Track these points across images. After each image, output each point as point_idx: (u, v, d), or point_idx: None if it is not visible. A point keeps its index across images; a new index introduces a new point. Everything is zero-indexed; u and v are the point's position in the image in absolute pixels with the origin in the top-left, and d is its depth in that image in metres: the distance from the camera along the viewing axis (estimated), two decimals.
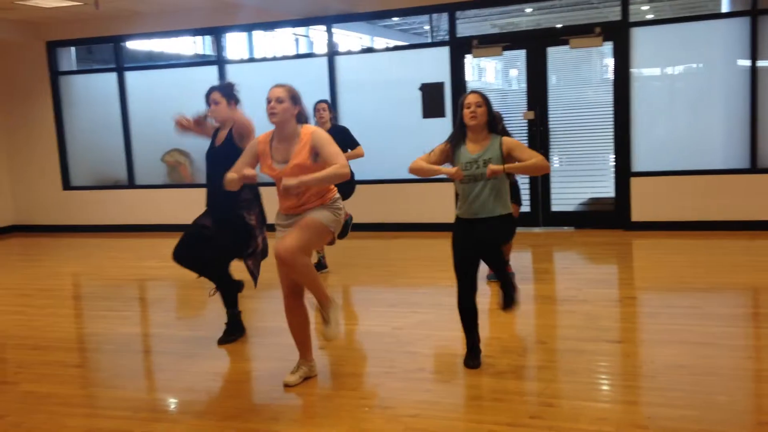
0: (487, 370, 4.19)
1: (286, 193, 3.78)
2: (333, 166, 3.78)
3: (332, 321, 3.99)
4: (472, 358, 4.21)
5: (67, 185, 10.63)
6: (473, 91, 4.17)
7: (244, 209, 4.73)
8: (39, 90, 10.45)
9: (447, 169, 4.09)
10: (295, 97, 3.86)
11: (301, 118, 3.93)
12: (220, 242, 4.75)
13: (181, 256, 4.91)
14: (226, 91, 4.83)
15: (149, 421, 3.70)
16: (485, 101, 4.09)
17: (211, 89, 4.88)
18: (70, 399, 4.08)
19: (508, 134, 4.52)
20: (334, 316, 4.00)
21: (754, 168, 8.01)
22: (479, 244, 4.06)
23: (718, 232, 7.95)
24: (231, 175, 3.99)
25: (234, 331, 4.96)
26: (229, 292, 4.95)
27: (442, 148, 4.18)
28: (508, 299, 4.20)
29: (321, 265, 6.80)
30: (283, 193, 3.85)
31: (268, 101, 3.83)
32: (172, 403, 4.04)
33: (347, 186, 6.30)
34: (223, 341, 4.90)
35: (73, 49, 10.78)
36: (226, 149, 4.67)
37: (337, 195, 4.00)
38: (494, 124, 4.14)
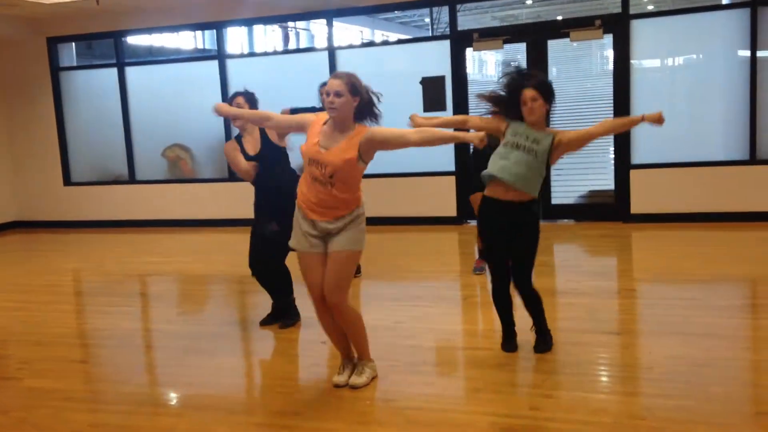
0: (488, 363, 4.22)
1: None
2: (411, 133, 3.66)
3: (365, 375, 3.91)
4: (508, 341, 4.30)
5: (68, 181, 10.66)
6: (531, 86, 4.06)
7: (275, 220, 4.84)
8: (40, 86, 10.47)
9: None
10: (354, 88, 3.64)
11: (363, 112, 3.68)
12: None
13: (257, 269, 5.08)
14: (248, 97, 4.94)
15: (153, 416, 3.74)
16: (541, 94, 4.07)
17: (236, 94, 4.99)
18: (73, 394, 4.11)
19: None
20: (369, 373, 3.93)
21: (753, 159, 8.03)
22: (511, 238, 4.11)
23: (717, 223, 7.97)
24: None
25: (293, 316, 5.08)
26: (288, 279, 5.08)
27: (499, 124, 4.14)
28: (542, 345, 4.28)
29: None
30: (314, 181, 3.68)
31: (327, 94, 3.61)
32: (176, 397, 4.07)
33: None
34: (283, 326, 5.03)
35: (73, 44, 10.80)
36: (271, 150, 4.87)
37: (363, 204, 3.83)
38: (548, 119, 4.14)
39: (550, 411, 3.50)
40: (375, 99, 3.75)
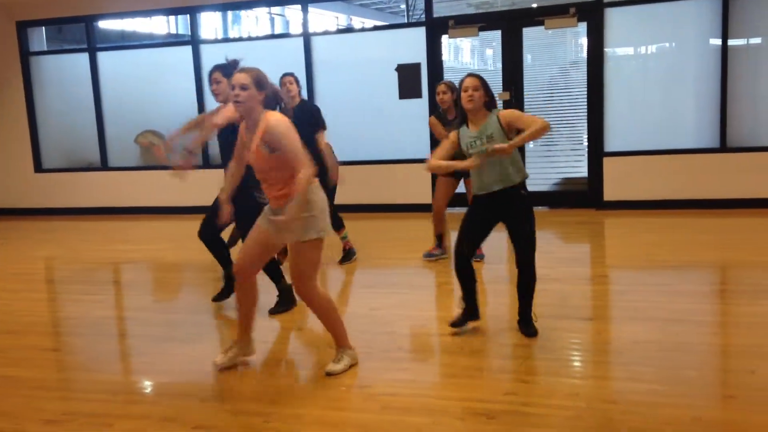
0: (463, 349, 4.25)
1: (282, 227, 3.67)
2: (300, 172, 3.59)
3: (342, 363, 3.90)
4: (465, 317, 4.43)
5: (38, 167, 10.50)
6: (470, 75, 4.28)
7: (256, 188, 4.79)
8: (9, 71, 10.29)
9: (463, 163, 4.18)
10: (260, 82, 3.68)
11: (271, 102, 3.77)
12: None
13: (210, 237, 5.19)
14: (226, 71, 4.82)
15: (127, 404, 3.72)
16: (482, 84, 4.23)
17: (215, 68, 4.91)
18: (46, 383, 4.07)
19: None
20: (347, 361, 3.93)
21: (723, 147, 8.14)
22: (508, 221, 4.30)
23: (688, 210, 8.09)
24: None
25: (287, 302, 5.09)
26: (277, 265, 5.11)
27: (451, 138, 4.33)
28: (530, 327, 4.37)
29: (351, 253, 6.57)
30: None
31: (232, 87, 3.66)
32: (150, 385, 4.05)
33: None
34: (274, 311, 5.05)
35: (43, 29, 10.61)
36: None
37: (313, 191, 3.75)
38: (492, 104, 4.27)
39: (525, 396, 3.54)
40: (279, 98, 3.87)
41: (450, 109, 6.09)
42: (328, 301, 3.92)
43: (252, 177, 4.63)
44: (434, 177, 6.27)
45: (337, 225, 6.39)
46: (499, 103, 8.63)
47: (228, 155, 4.60)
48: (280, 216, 3.66)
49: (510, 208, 4.28)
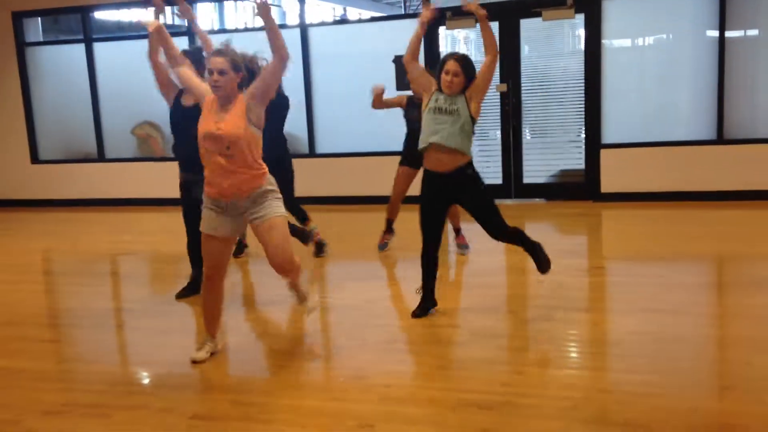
0: (459, 340, 4.28)
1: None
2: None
3: (307, 296, 4.12)
4: (422, 307, 4.57)
5: (35, 159, 10.48)
6: (454, 58, 4.31)
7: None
8: (5, 62, 10.24)
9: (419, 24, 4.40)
10: (236, 65, 3.65)
11: (245, 81, 3.72)
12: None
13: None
14: (194, 56, 4.95)
15: (126, 395, 3.73)
16: (464, 71, 4.27)
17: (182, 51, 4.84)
18: (45, 374, 4.08)
19: None
20: (304, 291, 4.14)
21: (720, 139, 8.15)
22: (463, 202, 4.42)
23: (685, 202, 8.11)
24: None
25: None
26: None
27: (426, 72, 4.47)
28: (546, 264, 4.54)
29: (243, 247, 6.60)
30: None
31: (210, 72, 3.61)
32: (149, 376, 4.06)
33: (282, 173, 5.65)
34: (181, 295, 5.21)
35: (39, 19, 10.56)
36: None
37: (272, 183, 3.85)
38: (468, 85, 4.33)
39: (521, 387, 3.56)
40: (256, 65, 3.79)
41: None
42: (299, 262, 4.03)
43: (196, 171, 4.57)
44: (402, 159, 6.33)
45: (302, 217, 6.27)
46: (496, 96, 8.63)
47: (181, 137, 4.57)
48: (235, 204, 3.73)
49: (459, 189, 4.36)
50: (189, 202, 5.06)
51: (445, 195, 4.41)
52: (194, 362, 4.02)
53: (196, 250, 5.02)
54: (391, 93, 8.94)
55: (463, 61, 4.31)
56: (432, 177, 4.41)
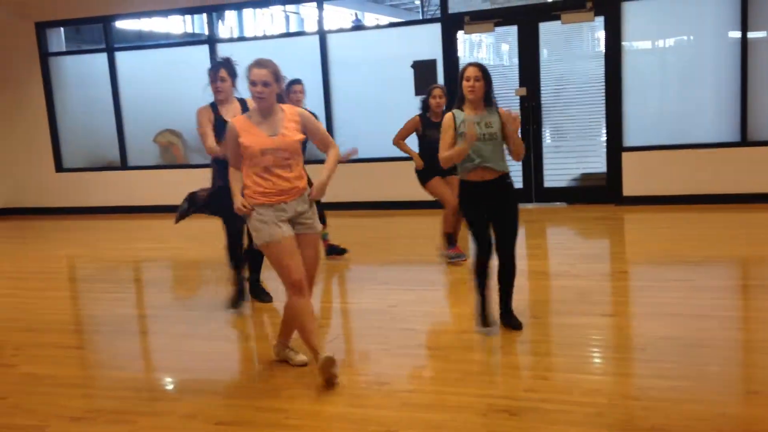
0: (481, 346, 4.25)
1: (319, 193, 3.86)
2: (333, 149, 3.97)
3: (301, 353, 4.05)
4: (490, 316, 4.40)
5: (59, 167, 10.60)
6: (473, 64, 4.32)
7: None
8: (29, 72, 10.38)
9: (466, 143, 4.18)
10: (277, 76, 3.80)
11: (280, 99, 3.94)
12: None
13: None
14: (229, 69, 4.93)
15: (150, 401, 3.75)
16: (484, 75, 4.27)
17: (218, 65, 4.96)
18: (69, 380, 4.12)
19: None
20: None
21: (744, 141, 8.06)
22: (498, 212, 4.31)
23: (709, 205, 8.01)
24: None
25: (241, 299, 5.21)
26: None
27: (449, 123, 4.35)
28: (516, 319, 4.42)
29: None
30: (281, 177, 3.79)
31: (254, 84, 3.72)
32: (172, 382, 4.08)
33: None
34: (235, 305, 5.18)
35: (62, 29, 10.70)
36: None
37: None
38: (490, 97, 4.32)
39: (545, 392, 3.53)
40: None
41: (439, 114, 6.07)
42: None
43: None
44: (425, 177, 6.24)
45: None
46: (516, 100, 8.60)
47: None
48: (294, 205, 3.81)
49: (500, 195, 4.31)
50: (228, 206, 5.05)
51: (486, 200, 4.31)
52: (302, 365, 4.02)
53: (236, 251, 5.16)
54: (409, 98, 8.95)
55: (481, 66, 4.32)
56: (472, 186, 4.34)
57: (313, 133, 3.96)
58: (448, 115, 4.36)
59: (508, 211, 4.34)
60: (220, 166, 4.92)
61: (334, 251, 6.55)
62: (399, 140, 6.33)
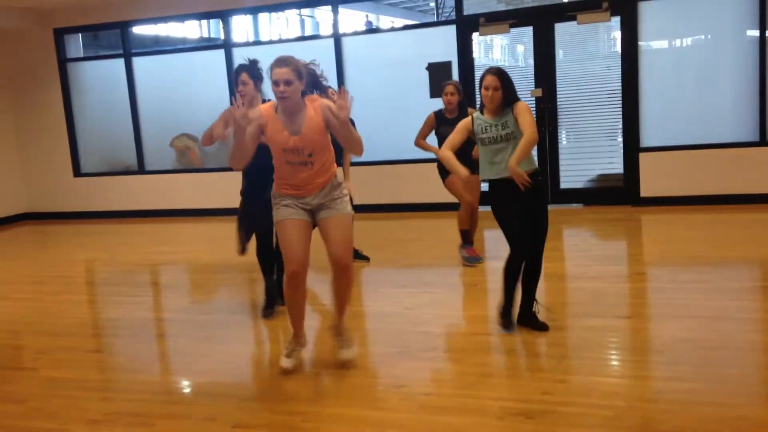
0: (498, 348, 4.24)
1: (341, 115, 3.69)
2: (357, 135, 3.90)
3: (354, 346, 4.03)
4: (512, 318, 4.43)
5: (77, 172, 10.70)
6: (492, 73, 4.30)
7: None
8: (47, 77, 10.49)
9: (461, 172, 4.34)
10: (300, 73, 3.74)
11: (308, 87, 3.83)
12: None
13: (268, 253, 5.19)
14: (252, 72, 4.94)
15: (168, 404, 3.78)
16: (502, 84, 4.27)
17: (240, 69, 4.96)
18: (88, 383, 4.16)
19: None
20: (353, 341, 4.05)
21: (763, 141, 7.98)
22: (528, 211, 4.30)
23: (727, 206, 7.94)
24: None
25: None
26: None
27: (466, 124, 4.42)
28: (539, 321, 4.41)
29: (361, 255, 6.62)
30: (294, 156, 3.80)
31: (276, 83, 3.69)
32: (190, 385, 4.11)
33: None
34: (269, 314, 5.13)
35: (80, 35, 10.80)
36: None
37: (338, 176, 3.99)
38: (510, 101, 4.31)
39: (562, 395, 3.51)
40: (315, 71, 3.90)
41: (453, 110, 6.18)
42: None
43: (262, 176, 4.65)
44: (445, 173, 6.25)
45: None
46: (531, 101, 8.57)
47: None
48: (311, 200, 3.85)
49: (531, 193, 4.26)
50: (253, 208, 5.08)
51: (516, 199, 4.27)
52: (284, 371, 3.99)
53: (265, 255, 5.15)
54: (424, 100, 8.95)
55: (500, 74, 4.30)
56: (499, 184, 4.32)
57: (337, 130, 3.80)
58: (468, 118, 4.46)
59: (537, 210, 4.32)
60: (248, 171, 4.93)
61: (358, 256, 6.54)
62: (419, 140, 6.36)
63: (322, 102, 3.83)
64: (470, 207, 6.21)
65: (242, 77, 4.91)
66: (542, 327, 4.36)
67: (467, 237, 6.25)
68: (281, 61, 3.73)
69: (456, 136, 4.45)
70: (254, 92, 4.94)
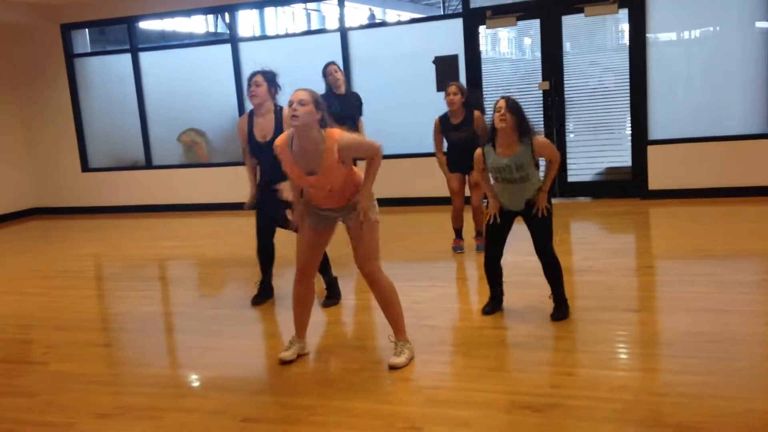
0: (506, 342, 4.24)
1: (364, 218, 3.80)
2: (372, 161, 3.77)
3: (404, 356, 3.92)
4: (489, 303, 4.69)
5: (85, 167, 10.73)
6: (504, 97, 4.36)
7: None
8: (55, 73, 10.52)
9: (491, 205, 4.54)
10: (317, 102, 3.69)
11: (323, 124, 3.73)
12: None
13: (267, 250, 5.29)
14: (267, 76, 4.95)
15: (177, 397, 3.79)
16: (510, 110, 4.28)
17: (254, 73, 4.98)
18: (98, 377, 4.18)
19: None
20: (408, 354, 3.96)
21: None
22: (527, 215, 4.48)
23: (736, 198, 7.91)
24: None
25: (337, 295, 5.22)
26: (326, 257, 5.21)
27: (478, 160, 4.52)
28: (559, 313, 4.50)
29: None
30: (324, 198, 3.85)
31: (290, 104, 3.67)
32: (199, 379, 4.12)
33: None
34: (327, 304, 5.16)
35: (87, 31, 10.82)
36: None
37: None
38: (525, 131, 4.34)
39: (571, 389, 3.51)
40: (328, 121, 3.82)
41: (457, 112, 6.14)
42: (392, 285, 3.99)
43: (272, 173, 4.77)
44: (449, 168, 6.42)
45: None
46: (539, 94, 8.55)
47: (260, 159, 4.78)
48: (332, 212, 3.89)
49: (526, 204, 4.45)
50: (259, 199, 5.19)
51: (518, 210, 4.49)
52: (282, 362, 4.06)
53: (262, 247, 5.27)
54: (431, 94, 8.93)
55: (510, 101, 4.32)
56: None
57: (353, 154, 3.83)
58: (479, 152, 4.49)
59: (535, 216, 4.42)
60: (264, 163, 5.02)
61: None
62: (437, 152, 6.40)
63: (340, 139, 3.70)
64: (459, 211, 6.46)
65: (256, 78, 4.93)
66: (556, 317, 4.45)
67: (458, 234, 6.54)
68: (302, 88, 3.75)
69: (482, 174, 4.56)
70: (266, 95, 4.94)
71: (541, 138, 4.39)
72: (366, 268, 3.90)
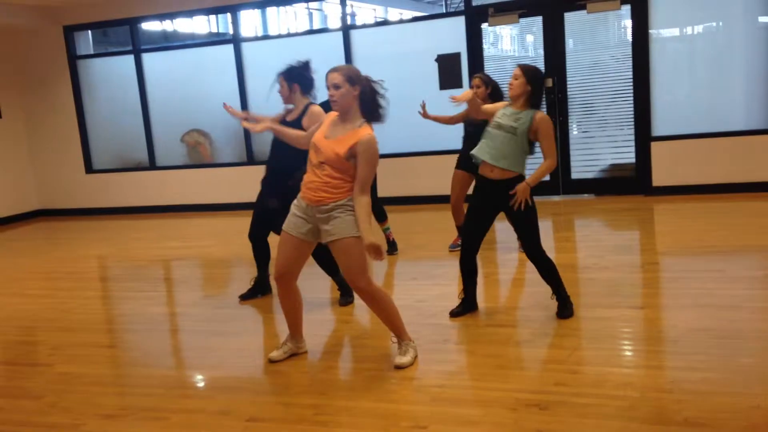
0: (511, 340, 4.24)
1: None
2: (363, 197, 3.70)
3: (408, 355, 3.90)
4: (460, 306, 4.66)
5: (89, 168, 10.75)
6: (519, 65, 4.43)
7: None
8: (58, 75, 10.54)
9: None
10: (351, 78, 3.71)
11: (368, 104, 3.74)
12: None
13: (256, 239, 5.38)
14: (288, 74, 4.95)
15: (182, 398, 3.80)
16: (524, 74, 4.36)
17: (279, 75, 5.01)
18: (103, 378, 4.19)
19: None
20: (412, 353, 3.93)
21: None
22: (507, 212, 4.42)
23: (740, 194, 7.89)
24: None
25: (350, 293, 5.17)
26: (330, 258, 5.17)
27: (493, 110, 4.58)
28: (564, 311, 4.46)
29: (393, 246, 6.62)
30: (312, 168, 3.80)
31: (327, 88, 3.71)
32: (204, 379, 4.13)
33: None
34: (343, 303, 5.13)
35: (89, 32, 10.84)
36: (294, 126, 4.67)
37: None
38: (535, 100, 4.39)
39: (576, 386, 3.50)
40: (378, 88, 3.82)
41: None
42: (384, 294, 3.94)
43: (275, 181, 4.87)
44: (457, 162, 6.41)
45: (381, 217, 6.50)
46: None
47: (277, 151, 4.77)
48: (312, 211, 3.79)
49: (507, 198, 4.35)
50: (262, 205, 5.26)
51: (492, 202, 4.43)
52: (271, 361, 4.08)
53: (254, 242, 5.37)
54: (434, 92, 8.92)
55: (525, 66, 4.40)
56: (483, 183, 4.49)
57: (358, 165, 3.70)
58: (500, 104, 4.57)
59: (514, 214, 4.38)
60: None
61: (391, 247, 6.60)
62: (443, 118, 6.26)
63: (367, 137, 3.69)
64: (454, 208, 6.38)
65: (279, 80, 4.96)
66: (560, 316, 4.43)
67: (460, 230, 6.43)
68: (333, 68, 3.77)
69: (485, 110, 4.60)
70: (287, 93, 4.94)
71: (543, 116, 4.35)
72: (352, 284, 3.83)
